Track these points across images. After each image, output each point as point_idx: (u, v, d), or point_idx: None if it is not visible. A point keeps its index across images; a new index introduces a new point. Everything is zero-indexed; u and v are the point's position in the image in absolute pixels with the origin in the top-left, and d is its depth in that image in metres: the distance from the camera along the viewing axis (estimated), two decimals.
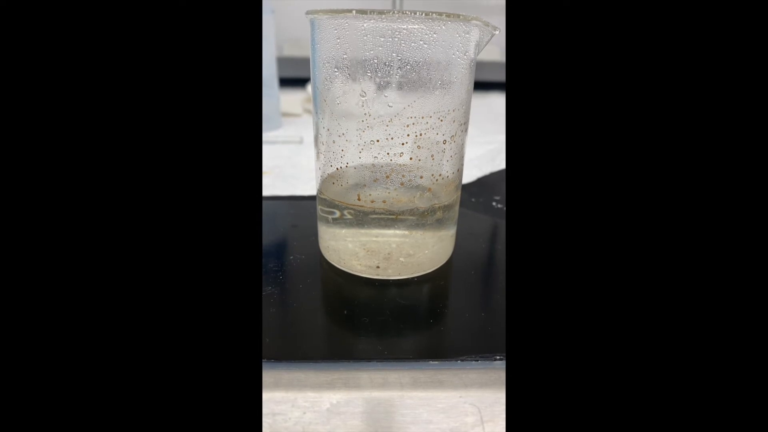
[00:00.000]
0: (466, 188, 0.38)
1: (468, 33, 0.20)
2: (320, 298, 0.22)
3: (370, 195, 0.22)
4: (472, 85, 0.22)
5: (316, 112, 0.22)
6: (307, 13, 0.20)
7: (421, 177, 0.22)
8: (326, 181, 0.23)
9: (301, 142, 0.53)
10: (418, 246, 0.23)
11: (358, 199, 0.22)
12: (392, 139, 0.20)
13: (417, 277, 0.23)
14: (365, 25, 0.18)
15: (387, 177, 0.22)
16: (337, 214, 0.23)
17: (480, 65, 0.27)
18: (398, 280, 0.23)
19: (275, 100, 0.59)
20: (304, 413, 0.17)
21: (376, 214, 0.22)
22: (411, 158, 0.21)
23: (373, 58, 0.19)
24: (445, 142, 0.21)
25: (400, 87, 0.19)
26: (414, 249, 0.23)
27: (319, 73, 0.21)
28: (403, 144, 0.20)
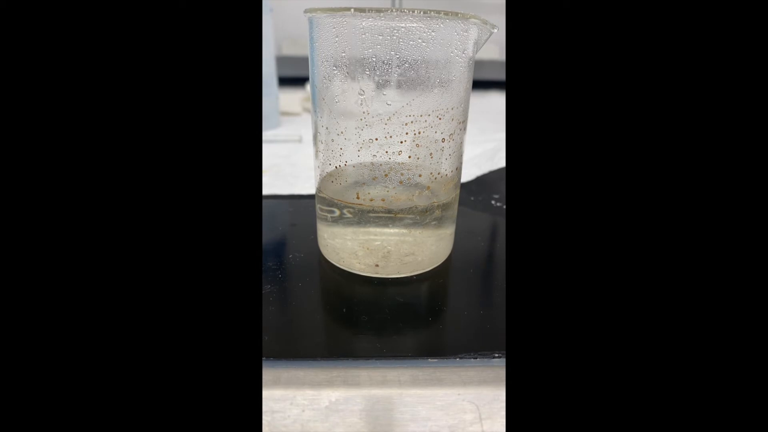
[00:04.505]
0: (465, 186, 0.38)
1: (466, 31, 0.20)
2: (319, 297, 0.22)
3: (369, 193, 0.22)
4: (470, 84, 0.22)
5: (315, 111, 0.22)
6: (306, 11, 0.20)
7: (420, 175, 0.22)
8: (325, 180, 0.23)
9: (300, 140, 0.53)
10: (417, 244, 0.23)
11: (357, 198, 0.22)
12: (391, 137, 0.20)
13: (416, 275, 0.24)
14: (364, 23, 0.18)
15: (386, 175, 0.22)
16: (336, 212, 0.23)
17: (479, 64, 0.27)
18: (397, 278, 0.23)
19: (274, 98, 0.59)
20: (303, 411, 0.17)
21: (375, 212, 0.22)
22: (410, 156, 0.21)
23: (372, 57, 0.19)
24: (443, 140, 0.21)
25: (398, 85, 0.19)
26: (413, 247, 0.23)
27: (317, 71, 0.21)
28: (401, 142, 0.20)
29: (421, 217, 0.22)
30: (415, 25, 0.18)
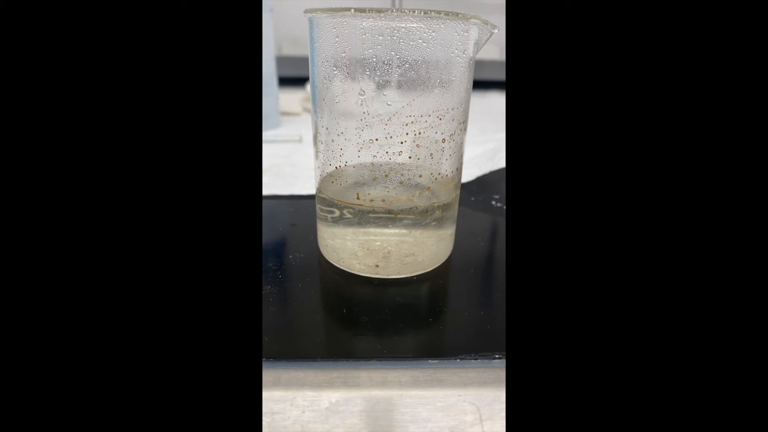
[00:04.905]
0: (466, 187, 0.38)
1: (467, 31, 0.20)
2: (319, 297, 0.22)
3: (369, 194, 0.22)
4: (471, 84, 0.22)
5: (315, 111, 0.22)
6: (306, 11, 0.20)
7: (420, 176, 0.22)
8: (325, 180, 0.23)
9: (300, 141, 0.53)
10: (418, 245, 0.23)
11: (357, 198, 0.22)
12: (391, 137, 0.20)
13: (416, 276, 0.23)
14: (364, 23, 0.18)
15: (386, 176, 0.22)
16: (336, 213, 0.23)
17: (479, 64, 0.27)
18: (397, 279, 0.23)
19: (274, 98, 0.59)
20: (303, 412, 0.17)
21: (375, 213, 0.22)
22: (410, 157, 0.21)
23: (372, 57, 0.19)
24: (444, 140, 0.21)
25: (399, 86, 0.19)
26: (413, 248, 0.23)
27: (317, 71, 0.21)
28: (402, 143, 0.20)
29: (422, 217, 0.22)
30: (415, 25, 0.18)
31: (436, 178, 0.22)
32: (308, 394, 0.17)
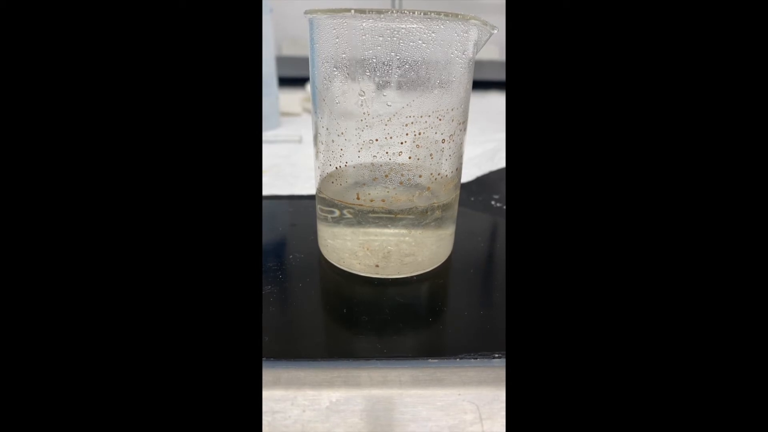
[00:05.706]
0: (465, 187, 0.38)
1: (466, 32, 0.20)
2: (319, 297, 0.22)
3: (369, 194, 0.22)
4: (470, 84, 0.22)
5: (315, 112, 0.22)
6: (306, 12, 0.20)
7: (420, 176, 0.22)
8: (325, 180, 0.23)
9: (300, 141, 0.53)
10: (417, 245, 0.23)
11: (357, 198, 0.22)
12: (391, 138, 0.20)
13: (416, 275, 0.24)
14: (364, 24, 0.18)
15: (386, 176, 0.22)
16: (337, 213, 0.23)
17: (479, 64, 0.27)
18: (397, 278, 0.23)
19: (274, 99, 0.59)
20: (304, 411, 0.17)
21: (375, 213, 0.22)
22: (410, 157, 0.21)
23: (372, 58, 0.19)
24: (444, 141, 0.21)
25: (399, 86, 0.19)
26: (413, 248, 0.23)
27: (318, 72, 0.21)
28: (402, 143, 0.20)
29: (421, 217, 0.22)
30: (415, 26, 0.18)
31: (435, 179, 0.22)
32: (309, 394, 0.17)
